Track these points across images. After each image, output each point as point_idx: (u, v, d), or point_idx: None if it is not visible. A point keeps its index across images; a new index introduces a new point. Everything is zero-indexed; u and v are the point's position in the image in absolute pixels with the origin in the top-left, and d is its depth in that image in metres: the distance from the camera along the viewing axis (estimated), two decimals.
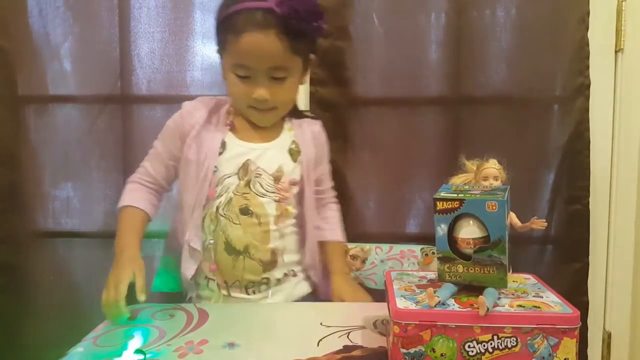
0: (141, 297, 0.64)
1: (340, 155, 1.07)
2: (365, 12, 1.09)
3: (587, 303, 1.10)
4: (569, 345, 0.48)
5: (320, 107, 1.08)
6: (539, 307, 0.50)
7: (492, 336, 0.48)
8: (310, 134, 0.83)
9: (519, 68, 1.09)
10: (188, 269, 0.76)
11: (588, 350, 1.12)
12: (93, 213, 1.14)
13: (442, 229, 0.53)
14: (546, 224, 0.65)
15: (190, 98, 1.12)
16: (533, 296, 0.53)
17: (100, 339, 0.59)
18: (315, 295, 0.83)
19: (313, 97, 1.08)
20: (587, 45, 1.06)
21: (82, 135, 1.13)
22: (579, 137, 1.08)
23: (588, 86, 1.07)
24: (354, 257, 0.96)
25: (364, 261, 0.96)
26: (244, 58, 0.72)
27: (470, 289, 0.53)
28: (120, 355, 0.55)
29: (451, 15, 1.09)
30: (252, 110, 0.77)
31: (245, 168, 0.76)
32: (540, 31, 1.08)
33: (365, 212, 1.13)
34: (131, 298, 0.65)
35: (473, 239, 0.52)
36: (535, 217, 0.65)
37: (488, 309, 0.48)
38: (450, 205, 0.52)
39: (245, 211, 0.75)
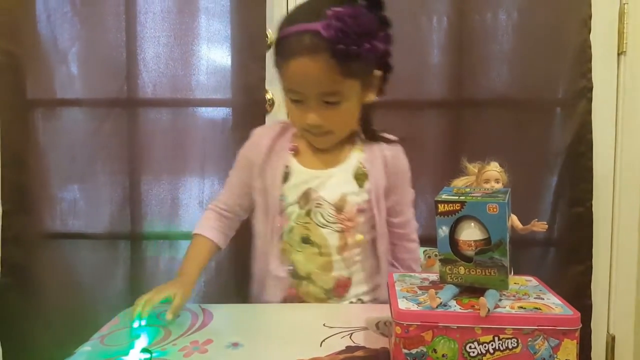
0: (168, 316, 0.64)
1: None
2: None
3: (590, 306, 1.10)
4: (570, 347, 0.48)
5: None
6: (539, 309, 0.50)
7: (493, 337, 0.49)
8: (381, 158, 0.76)
9: (521, 71, 1.10)
10: (275, 296, 0.76)
11: (592, 353, 1.12)
12: (99, 215, 1.16)
13: (443, 231, 0.53)
14: (547, 226, 0.66)
15: (196, 102, 1.16)
16: (534, 298, 0.54)
17: (107, 338, 0.60)
18: None
19: None
20: (590, 48, 1.06)
21: (89, 138, 1.14)
22: (581, 140, 1.08)
23: (590, 89, 1.07)
24: None
25: None
26: (292, 83, 0.69)
27: (471, 290, 0.53)
28: (127, 354, 0.55)
29: (453, 19, 1.10)
30: (308, 133, 0.74)
31: (305, 197, 0.74)
32: (542, 34, 1.08)
33: None
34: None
35: (474, 241, 0.52)
36: (536, 219, 0.66)
37: (489, 310, 0.49)
38: (452, 208, 0.52)
39: (306, 240, 0.75)
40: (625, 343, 1.15)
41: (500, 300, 0.52)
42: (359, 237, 0.75)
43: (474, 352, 0.49)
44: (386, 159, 0.77)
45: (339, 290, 0.76)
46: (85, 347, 0.57)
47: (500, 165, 0.69)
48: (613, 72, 1.11)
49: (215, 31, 1.13)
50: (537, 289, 0.57)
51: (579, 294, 1.09)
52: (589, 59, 1.06)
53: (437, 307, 0.50)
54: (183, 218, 1.16)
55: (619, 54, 1.11)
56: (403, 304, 0.51)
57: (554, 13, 1.08)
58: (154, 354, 0.55)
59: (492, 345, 0.49)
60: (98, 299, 1.14)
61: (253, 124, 1.08)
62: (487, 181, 0.68)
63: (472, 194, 0.55)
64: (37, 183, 1.14)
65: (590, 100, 1.07)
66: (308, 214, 0.74)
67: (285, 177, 0.75)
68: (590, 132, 1.08)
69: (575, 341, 0.48)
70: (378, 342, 0.58)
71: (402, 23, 1.10)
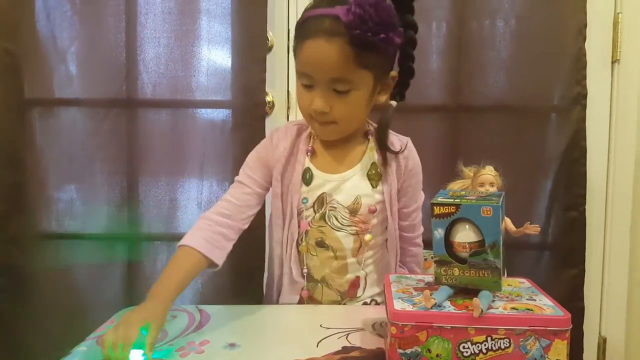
0: (147, 353, 0.54)
1: None
2: None
3: (582, 309, 1.12)
4: (560, 347, 0.49)
5: None
6: (531, 310, 0.51)
7: (486, 337, 0.50)
8: (395, 160, 0.76)
9: (518, 77, 1.11)
10: (290, 299, 0.76)
11: (584, 355, 1.13)
12: (96, 215, 1.15)
13: (439, 233, 0.54)
14: (539, 228, 0.67)
15: (196, 103, 1.15)
16: (526, 299, 0.55)
17: None
18: None
19: None
20: (585, 55, 1.08)
21: (87, 138, 1.14)
22: (575, 146, 1.10)
23: (585, 96, 1.09)
24: None
25: None
26: (305, 65, 0.69)
27: (466, 291, 0.54)
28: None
29: (452, 25, 1.11)
30: (313, 122, 0.73)
31: (320, 201, 0.74)
32: (538, 42, 1.10)
33: None
34: None
35: (469, 243, 0.53)
36: (529, 222, 0.67)
37: (482, 311, 0.50)
38: (447, 210, 0.54)
39: (321, 244, 0.75)
40: (617, 345, 1.17)
41: (493, 301, 0.53)
42: (368, 236, 0.75)
43: (467, 352, 0.50)
44: (400, 160, 0.77)
45: (354, 291, 0.76)
46: (81, 347, 0.58)
47: (495, 169, 0.71)
48: (607, 79, 1.13)
49: (216, 33, 1.13)
50: (530, 291, 0.58)
51: (571, 297, 1.10)
52: (583, 67, 1.08)
53: (431, 307, 0.51)
54: (181, 220, 1.16)
55: (613, 62, 1.13)
56: (398, 305, 0.52)
57: (550, 21, 1.10)
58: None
59: (485, 345, 0.50)
60: (94, 300, 1.13)
61: (253, 126, 1.10)
62: (482, 185, 0.69)
63: (467, 197, 0.56)
64: (34, 183, 1.14)
65: (584, 107, 1.09)
66: (322, 217, 0.74)
67: (305, 180, 0.75)
68: (585, 139, 1.10)
69: (565, 341, 0.50)
70: (374, 343, 0.59)
71: None
